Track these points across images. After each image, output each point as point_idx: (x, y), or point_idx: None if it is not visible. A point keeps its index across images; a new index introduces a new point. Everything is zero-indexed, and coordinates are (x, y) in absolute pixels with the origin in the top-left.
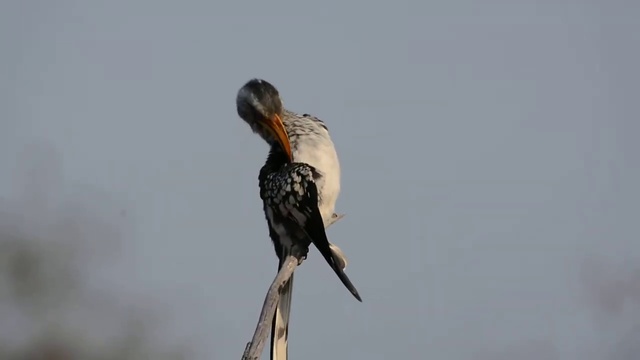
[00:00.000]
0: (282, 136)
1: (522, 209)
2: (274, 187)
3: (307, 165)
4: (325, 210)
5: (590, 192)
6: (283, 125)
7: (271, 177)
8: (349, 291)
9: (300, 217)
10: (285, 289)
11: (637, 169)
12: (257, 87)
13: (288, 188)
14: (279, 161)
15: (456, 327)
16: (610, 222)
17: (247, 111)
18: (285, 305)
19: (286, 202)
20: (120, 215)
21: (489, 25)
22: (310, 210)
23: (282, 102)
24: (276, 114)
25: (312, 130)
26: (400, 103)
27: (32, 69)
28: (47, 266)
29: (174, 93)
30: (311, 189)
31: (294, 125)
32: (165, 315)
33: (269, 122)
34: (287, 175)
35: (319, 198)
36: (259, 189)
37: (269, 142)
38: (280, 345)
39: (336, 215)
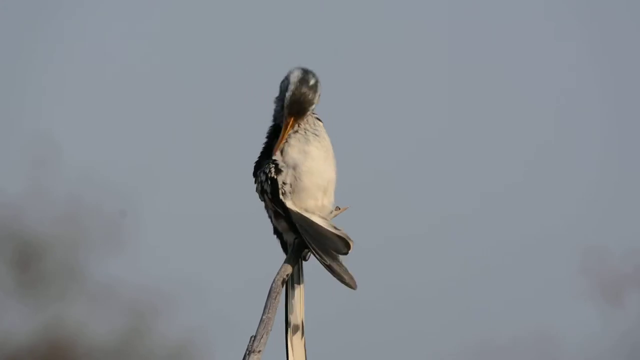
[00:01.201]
0: (282, 135)
1: (524, 200)
2: (257, 185)
3: (271, 162)
4: (323, 202)
5: (594, 183)
6: (291, 128)
7: (259, 173)
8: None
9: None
10: (296, 283)
11: (629, 152)
12: (305, 79)
13: (259, 188)
14: (267, 154)
15: (460, 319)
16: (613, 213)
17: (282, 90)
18: (299, 301)
19: (266, 201)
20: (120, 216)
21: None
22: (279, 206)
23: (311, 107)
24: (294, 118)
25: (314, 132)
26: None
27: (36, 64)
28: (49, 259)
29: (176, 85)
30: (272, 184)
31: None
32: (169, 307)
33: (285, 115)
34: (260, 175)
35: (287, 189)
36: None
37: (274, 118)
38: (296, 342)
39: (339, 208)
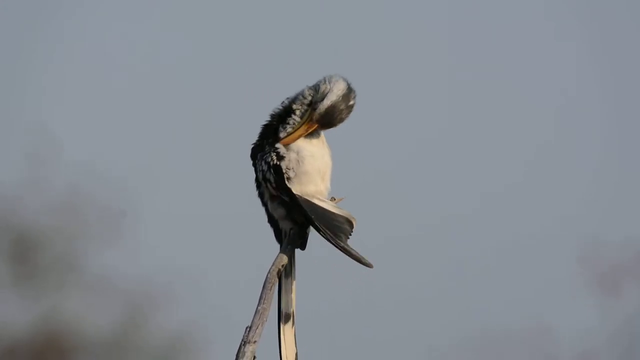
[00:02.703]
0: (297, 133)
1: (521, 191)
2: (258, 173)
3: (272, 150)
4: (320, 187)
5: (590, 173)
6: (308, 132)
7: (258, 157)
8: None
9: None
10: (289, 273)
11: (629, 151)
12: (348, 97)
13: (261, 177)
14: (267, 136)
15: (457, 310)
16: (609, 203)
17: (320, 91)
18: (290, 290)
19: (269, 189)
20: (121, 215)
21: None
22: (285, 192)
23: (336, 127)
24: (320, 125)
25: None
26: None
27: (36, 64)
28: (47, 250)
29: (176, 85)
30: (276, 171)
31: None
32: (165, 299)
33: (310, 118)
34: (260, 164)
35: (291, 174)
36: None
37: (292, 100)
38: (287, 331)
39: (334, 199)
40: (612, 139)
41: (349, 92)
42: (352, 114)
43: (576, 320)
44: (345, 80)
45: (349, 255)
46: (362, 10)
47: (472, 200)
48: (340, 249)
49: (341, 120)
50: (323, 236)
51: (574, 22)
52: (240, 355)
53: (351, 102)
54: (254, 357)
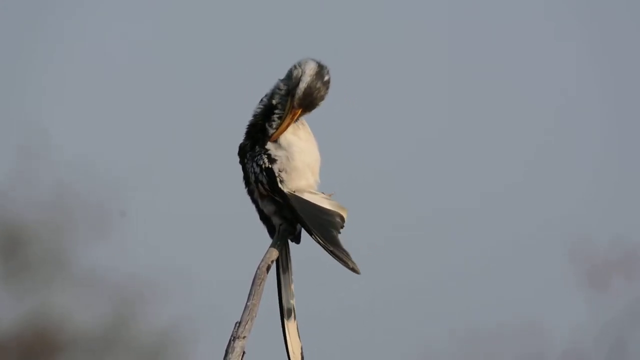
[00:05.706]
0: (284, 124)
1: (512, 187)
2: (250, 174)
3: (262, 152)
4: (310, 181)
5: (589, 174)
6: (294, 119)
7: (247, 157)
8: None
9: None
10: (286, 268)
11: (628, 150)
12: (321, 74)
13: (253, 178)
14: (254, 136)
15: (447, 306)
16: (599, 201)
17: (293, 77)
18: (288, 285)
19: (259, 189)
20: (120, 216)
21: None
22: (278, 194)
23: (321, 102)
24: (302, 109)
25: (301, 121)
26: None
27: (36, 64)
28: (36, 246)
29: (176, 85)
30: (269, 174)
31: None
32: (155, 295)
33: (292, 105)
34: (252, 166)
35: (284, 176)
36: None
37: (269, 96)
38: (291, 326)
39: (324, 194)
40: (612, 139)
41: (321, 69)
42: (329, 90)
43: (566, 317)
44: (314, 60)
45: (337, 259)
46: (362, 10)
47: (472, 200)
48: (329, 253)
49: (321, 98)
50: (314, 239)
51: (574, 22)
52: (230, 350)
53: (326, 78)
54: (244, 353)
